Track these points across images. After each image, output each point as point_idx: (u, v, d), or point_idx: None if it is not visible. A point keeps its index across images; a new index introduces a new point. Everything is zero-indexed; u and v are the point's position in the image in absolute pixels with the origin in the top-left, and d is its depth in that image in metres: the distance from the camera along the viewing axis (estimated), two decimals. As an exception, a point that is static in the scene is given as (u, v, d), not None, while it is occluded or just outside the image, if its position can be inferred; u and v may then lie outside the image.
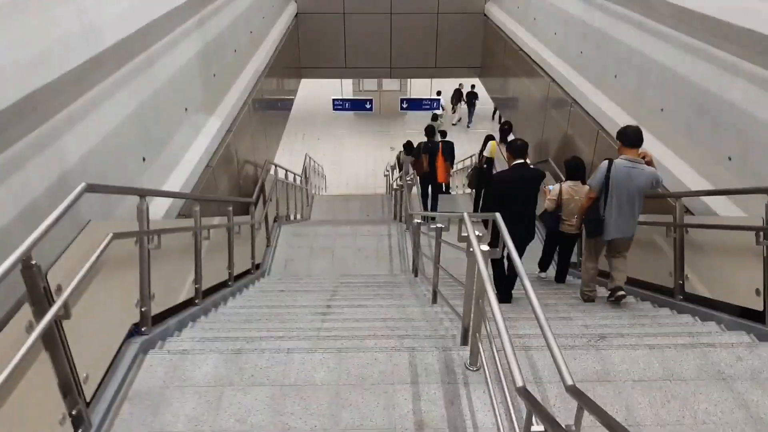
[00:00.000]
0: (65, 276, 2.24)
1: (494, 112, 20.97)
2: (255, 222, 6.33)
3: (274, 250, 7.47)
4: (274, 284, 6.04)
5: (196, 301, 4.18)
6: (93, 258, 2.39)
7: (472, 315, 2.85)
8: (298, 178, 10.96)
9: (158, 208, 4.06)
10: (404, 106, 16.06)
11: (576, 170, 5.29)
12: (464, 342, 3.09)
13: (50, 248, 2.24)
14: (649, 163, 4.30)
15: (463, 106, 20.80)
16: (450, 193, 12.36)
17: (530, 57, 9.00)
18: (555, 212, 5.33)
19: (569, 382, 1.76)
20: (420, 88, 18.89)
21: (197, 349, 3.09)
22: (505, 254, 4.75)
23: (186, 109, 5.13)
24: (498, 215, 2.98)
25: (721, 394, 2.71)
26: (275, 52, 9.19)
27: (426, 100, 15.90)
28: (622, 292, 4.45)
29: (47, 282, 2.11)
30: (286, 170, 9.15)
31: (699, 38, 4.50)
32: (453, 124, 21.23)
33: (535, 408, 1.71)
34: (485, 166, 9.29)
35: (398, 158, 11.49)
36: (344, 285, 5.83)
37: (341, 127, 21.65)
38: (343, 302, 4.80)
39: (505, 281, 5.01)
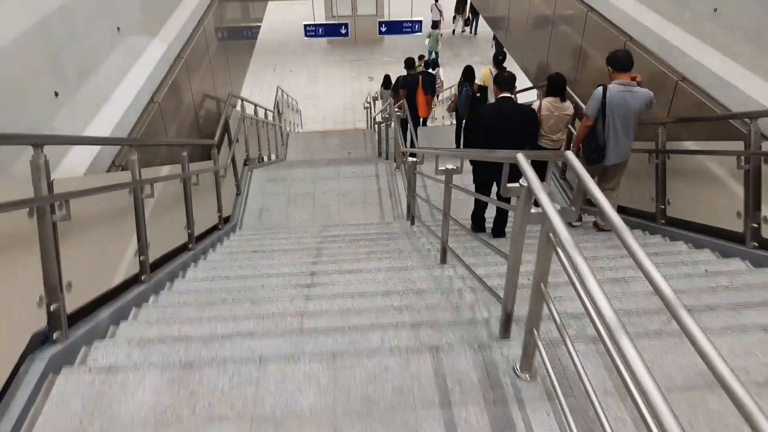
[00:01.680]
0: None
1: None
2: (219, 168, 5.31)
3: (246, 198, 6.48)
4: (246, 242, 5.11)
5: (143, 277, 3.26)
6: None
7: (522, 299, 1.98)
8: (270, 114, 9.78)
9: (79, 158, 3.05)
10: (383, 29, 14.61)
11: (557, 85, 5.13)
12: (505, 333, 2.25)
13: None
14: (641, 84, 4.30)
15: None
16: (426, 125, 11.28)
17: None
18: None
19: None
20: (399, 8, 17.33)
21: (132, 363, 2.19)
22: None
23: (118, 29, 3.99)
24: (570, 155, 1.97)
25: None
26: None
27: (407, 22, 14.46)
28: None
29: None
30: (256, 105, 7.99)
31: None
32: (453, 33, 20.02)
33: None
34: (479, 94, 8.34)
35: (398, 81, 10.11)
36: (330, 240, 4.93)
37: (315, 57, 20.04)
38: (331, 266, 3.92)
39: (497, 218, 4.79)
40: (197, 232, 4.50)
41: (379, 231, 5.32)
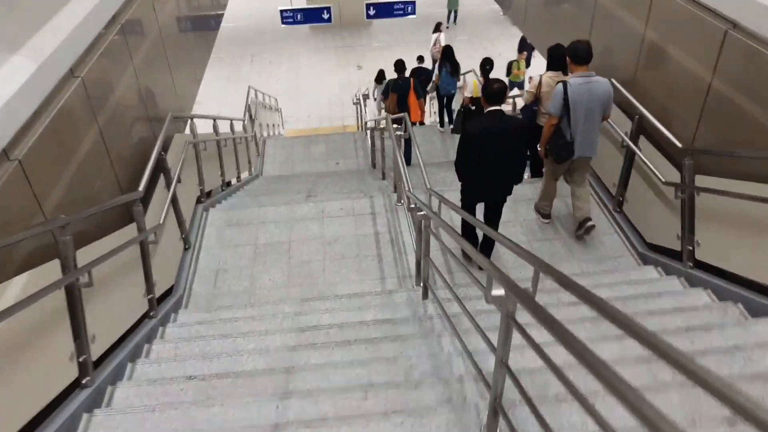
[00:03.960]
0: None
1: (449, 15, 18.48)
2: (146, 236, 3.64)
3: (197, 254, 4.82)
4: (185, 345, 3.44)
5: None
6: None
7: None
8: (240, 124, 8.05)
9: None
10: (371, 12, 12.80)
11: (559, 60, 4.81)
12: None
13: None
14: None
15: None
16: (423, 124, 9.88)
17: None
18: (532, 105, 5.24)
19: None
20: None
21: None
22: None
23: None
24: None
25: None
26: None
27: (398, 3, 12.66)
28: (591, 223, 4.64)
29: None
30: (215, 120, 6.26)
31: None
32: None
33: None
34: (473, 107, 7.74)
35: (387, 86, 9.13)
36: (309, 342, 3.31)
37: (296, 45, 18.18)
38: (311, 409, 2.30)
39: (484, 241, 4.57)
40: (106, 340, 2.87)
41: (381, 317, 3.69)
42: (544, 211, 5.06)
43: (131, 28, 4.27)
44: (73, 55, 3.29)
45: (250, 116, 8.91)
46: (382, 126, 6.94)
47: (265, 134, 10.63)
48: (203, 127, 6.16)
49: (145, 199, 3.92)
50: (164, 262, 4.20)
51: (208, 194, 6.22)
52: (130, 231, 3.56)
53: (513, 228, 5.08)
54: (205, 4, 7.60)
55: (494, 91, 4.08)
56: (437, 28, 13.48)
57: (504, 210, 4.71)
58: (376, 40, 17.71)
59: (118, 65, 4.00)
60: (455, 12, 18.60)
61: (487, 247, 4.60)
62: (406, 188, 4.09)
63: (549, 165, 4.77)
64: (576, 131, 4.27)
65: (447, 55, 8.82)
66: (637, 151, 4.34)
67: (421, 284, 3.91)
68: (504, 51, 15.57)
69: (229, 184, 7.15)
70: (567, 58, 4.32)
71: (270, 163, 9.22)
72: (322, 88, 15.36)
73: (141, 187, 3.71)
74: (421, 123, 9.53)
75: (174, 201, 4.45)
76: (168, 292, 4.31)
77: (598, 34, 5.39)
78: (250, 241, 4.98)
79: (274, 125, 11.90)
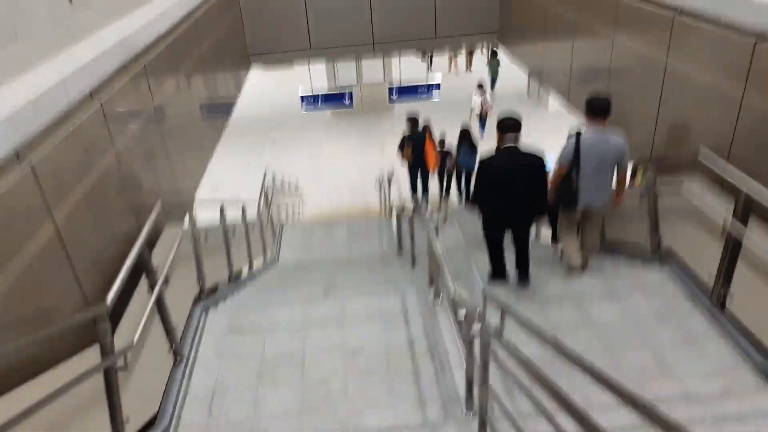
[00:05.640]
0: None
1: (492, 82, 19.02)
2: (114, 361, 2.76)
3: (191, 370, 3.87)
4: None
5: None
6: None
7: None
8: (253, 207, 7.35)
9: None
10: (393, 97, 12.51)
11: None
12: None
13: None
14: None
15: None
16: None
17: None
18: None
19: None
20: (412, 71, 15.47)
21: None
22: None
23: None
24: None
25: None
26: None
27: (422, 86, 12.39)
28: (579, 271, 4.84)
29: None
30: (222, 206, 5.54)
31: None
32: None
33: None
34: None
35: (403, 140, 9.80)
36: None
37: (318, 130, 18.06)
38: None
39: (518, 262, 4.63)
40: None
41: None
42: (572, 262, 4.89)
43: (113, 109, 3.62)
44: (19, 136, 2.56)
45: (266, 200, 8.24)
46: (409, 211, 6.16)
47: (283, 217, 9.95)
48: (213, 215, 5.44)
49: (119, 311, 3.09)
50: (143, 386, 3.28)
51: (214, 290, 5.38)
52: (92, 355, 2.69)
53: (582, 330, 4.07)
54: (214, 87, 7.17)
55: (510, 124, 4.12)
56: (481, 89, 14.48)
57: (570, 311, 3.84)
58: (399, 124, 17.50)
59: (90, 150, 3.30)
60: (494, 81, 18.92)
61: (524, 262, 4.61)
62: (452, 289, 3.18)
63: (561, 217, 4.94)
64: (583, 182, 4.34)
65: (464, 137, 9.53)
66: (746, 235, 3.40)
67: (477, 417, 2.91)
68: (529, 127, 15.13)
69: (238, 275, 6.32)
70: (585, 113, 4.39)
71: (287, 248, 8.43)
72: (344, 172, 14.92)
73: (109, 299, 2.86)
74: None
75: (160, 306, 3.59)
76: (151, 423, 3.35)
77: (674, 100, 4.65)
78: (255, 352, 4.04)
79: (293, 209, 11.28)
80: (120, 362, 2.87)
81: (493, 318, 3.42)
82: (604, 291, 4.56)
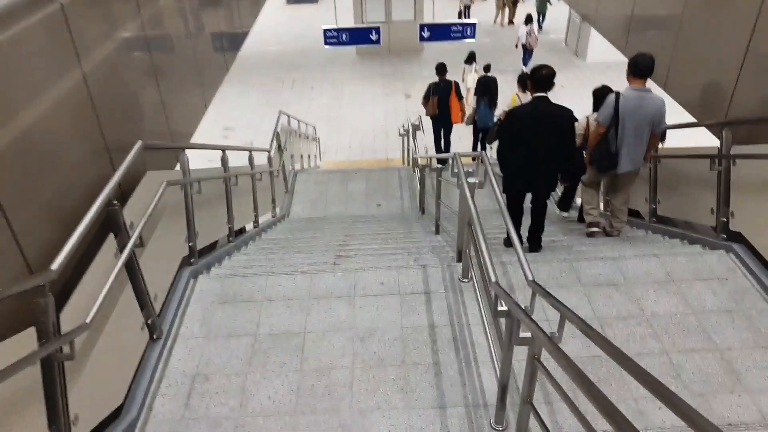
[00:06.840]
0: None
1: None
2: (55, 348, 2.15)
3: (169, 349, 3.29)
4: None
5: None
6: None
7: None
8: (260, 154, 6.64)
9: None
10: (425, 35, 11.40)
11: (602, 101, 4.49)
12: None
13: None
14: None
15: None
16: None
17: None
18: (581, 148, 4.84)
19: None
20: (444, 10, 14.25)
21: None
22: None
23: None
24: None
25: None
26: None
27: (455, 25, 11.23)
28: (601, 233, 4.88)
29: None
30: (224, 151, 4.84)
31: None
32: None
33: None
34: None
35: (429, 89, 8.93)
36: None
37: (341, 71, 17.03)
38: None
39: (533, 229, 4.40)
40: None
41: None
42: (592, 219, 4.90)
43: (80, 12, 2.86)
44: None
45: (279, 146, 7.52)
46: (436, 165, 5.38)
47: (297, 166, 9.24)
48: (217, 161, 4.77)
49: (72, 281, 2.46)
50: (105, 373, 2.70)
51: (212, 246, 4.77)
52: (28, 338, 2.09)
53: (634, 326, 3.36)
54: (224, 9, 6.28)
55: (543, 76, 3.97)
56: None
57: (620, 300, 3.15)
58: (426, 69, 16.34)
59: (44, 64, 2.59)
60: (543, 15, 18.31)
61: (536, 232, 4.42)
62: (494, 279, 2.46)
63: (590, 173, 4.81)
64: (622, 144, 4.25)
65: (485, 89, 8.54)
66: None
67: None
68: (564, 81, 13.98)
69: (241, 231, 5.70)
70: (627, 71, 4.26)
71: (299, 202, 7.77)
72: (366, 118, 14.03)
73: (55, 265, 2.22)
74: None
75: (131, 273, 2.96)
76: (117, 413, 2.80)
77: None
78: (249, 330, 3.43)
79: (309, 156, 10.54)
80: (66, 349, 2.27)
81: (538, 310, 2.72)
82: (660, 278, 3.81)
